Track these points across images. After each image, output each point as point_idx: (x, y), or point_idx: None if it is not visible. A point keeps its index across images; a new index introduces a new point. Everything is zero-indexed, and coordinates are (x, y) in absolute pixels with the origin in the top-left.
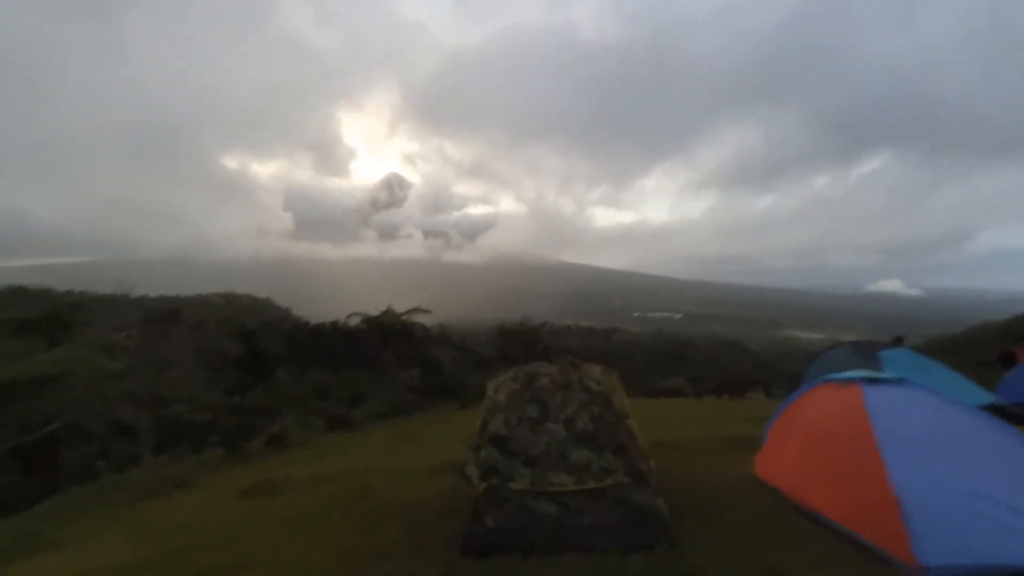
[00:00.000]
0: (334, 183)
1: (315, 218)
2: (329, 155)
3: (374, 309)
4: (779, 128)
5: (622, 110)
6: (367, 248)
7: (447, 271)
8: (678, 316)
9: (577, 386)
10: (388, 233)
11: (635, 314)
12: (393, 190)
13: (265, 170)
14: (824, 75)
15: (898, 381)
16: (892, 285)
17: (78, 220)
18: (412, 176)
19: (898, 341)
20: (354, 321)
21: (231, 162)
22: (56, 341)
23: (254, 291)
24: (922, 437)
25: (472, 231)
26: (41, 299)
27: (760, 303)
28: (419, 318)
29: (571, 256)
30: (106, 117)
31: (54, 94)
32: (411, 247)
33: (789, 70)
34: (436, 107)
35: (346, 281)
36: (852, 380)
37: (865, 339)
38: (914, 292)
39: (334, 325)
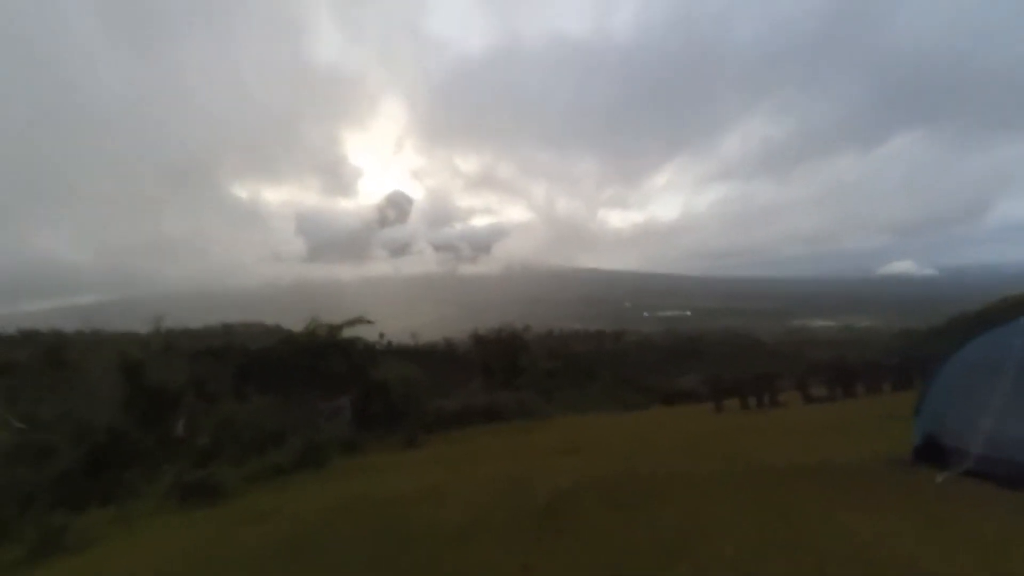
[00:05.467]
0: (342, 204)
1: (326, 240)
2: (336, 176)
3: (389, 326)
4: (801, 116)
5: (633, 107)
6: (381, 266)
7: (461, 284)
8: (688, 313)
9: None
10: (398, 250)
11: (644, 314)
12: (401, 207)
13: (276, 196)
14: (850, 61)
15: None
16: (903, 266)
17: (100, 258)
18: (416, 191)
19: None
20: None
21: (244, 190)
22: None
23: (275, 317)
24: None
25: (482, 242)
26: (51, 341)
27: (770, 294)
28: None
29: (583, 260)
30: (125, 153)
31: (73, 132)
32: (424, 262)
33: (815, 58)
34: (442, 119)
35: (364, 300)
36: None
37: None
38: (927, 272)
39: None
